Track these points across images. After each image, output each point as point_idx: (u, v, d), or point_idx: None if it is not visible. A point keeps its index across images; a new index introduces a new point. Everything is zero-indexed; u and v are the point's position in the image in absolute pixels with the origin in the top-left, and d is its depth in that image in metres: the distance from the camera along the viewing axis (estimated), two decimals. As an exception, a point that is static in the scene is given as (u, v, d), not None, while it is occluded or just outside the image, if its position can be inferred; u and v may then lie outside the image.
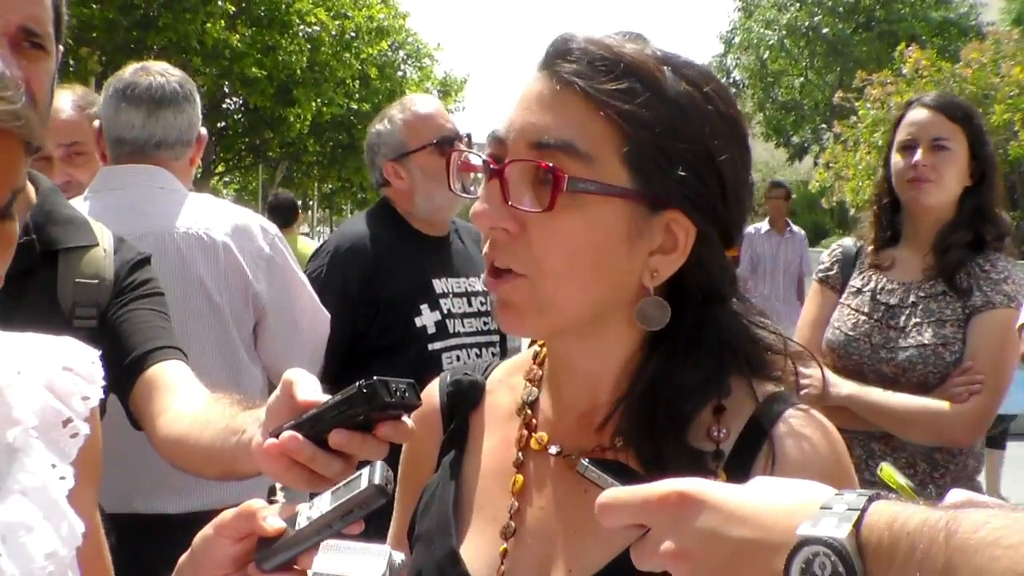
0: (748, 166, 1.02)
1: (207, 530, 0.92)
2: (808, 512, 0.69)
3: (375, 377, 0.98)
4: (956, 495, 0.95)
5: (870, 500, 0.68)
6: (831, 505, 0.69)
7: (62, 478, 0.98)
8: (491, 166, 0.97)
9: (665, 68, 0.95)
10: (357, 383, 0.99)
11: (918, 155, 2.41)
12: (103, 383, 1.07)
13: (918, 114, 2.47)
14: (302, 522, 0.87)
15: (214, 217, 2.33)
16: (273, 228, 2.45)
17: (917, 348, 2.37)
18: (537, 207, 0.93)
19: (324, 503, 0.87)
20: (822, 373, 2.36)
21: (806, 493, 0.72)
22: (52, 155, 2.59)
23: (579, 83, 0.93)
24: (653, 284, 0.97)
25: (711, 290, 1.00)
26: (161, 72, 2.38)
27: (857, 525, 0.66)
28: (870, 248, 2.55)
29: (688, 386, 0.98)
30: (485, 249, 0.99)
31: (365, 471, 0.87)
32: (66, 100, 2.69)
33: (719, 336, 0.99)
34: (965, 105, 2.56)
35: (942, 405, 2.30)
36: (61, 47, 1.62)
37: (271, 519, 0.88)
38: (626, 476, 0.82)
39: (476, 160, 1.02)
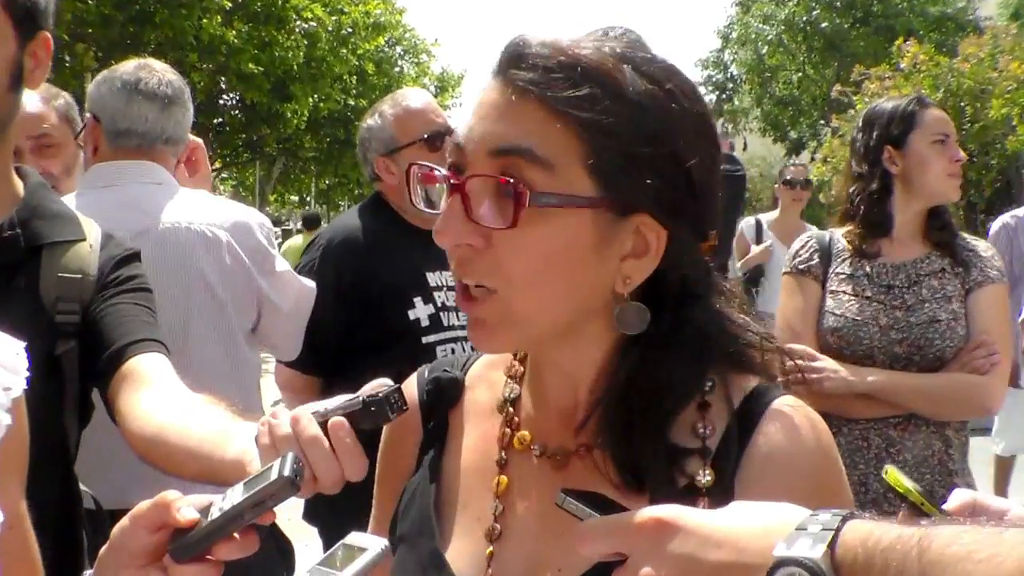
0: (717, 161, 1.00)
1: (124, 521, 0.92)
2: (783, 533, 0.70)
3: (379, 394, 1.00)
4: (960, 495, 0.95)
5: (844, 519, 0.68)
6: (806, 526, 0.69)
7: None
8: (451, 180, 0.94)
9: (625, 67, 0.92)
10: (361, 400, 1.01)
11: (960, 153, 2.59)
12: (27, 374, 1.08)
13: (940, 114, 2.65)
14: (215, 513, 0.88)
15: (214, 213, 2.33)
16: (267, 222, 2.46)
17: (932, 324, 2.46)
18: (500, 223, 0.90)
19: (236, 494, 0.88)
20: (830, 364, 2.48)
21: (781, 514, 0.73)
22: (22, 148, 2.60)
23: (535, 91, 0.90)
24: (626, 290, 0.95)
25: (686, 289, 0.98)
26: (164, 70, 2.42)
27: (832, 544, 0.67)
28: (855, 240, 2.59)
29: (665, 384, 0.97)
30: (452, 267, 0.97)
31: (276, 463, 0.88)
32: (31, 94, 2.69)
33: (696, 335, 0.98)
34: None
35: (970, 378, 2.43)
36: (48, 34, 1.58)
37: (185, 510, 0.89)
38: (606, 507, 0.82)
39: (439, 172, 0.99)
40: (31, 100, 2.66)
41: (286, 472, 0.86)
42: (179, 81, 2.41)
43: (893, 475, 0.95)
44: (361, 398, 1.00)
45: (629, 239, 0.94)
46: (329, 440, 0.99)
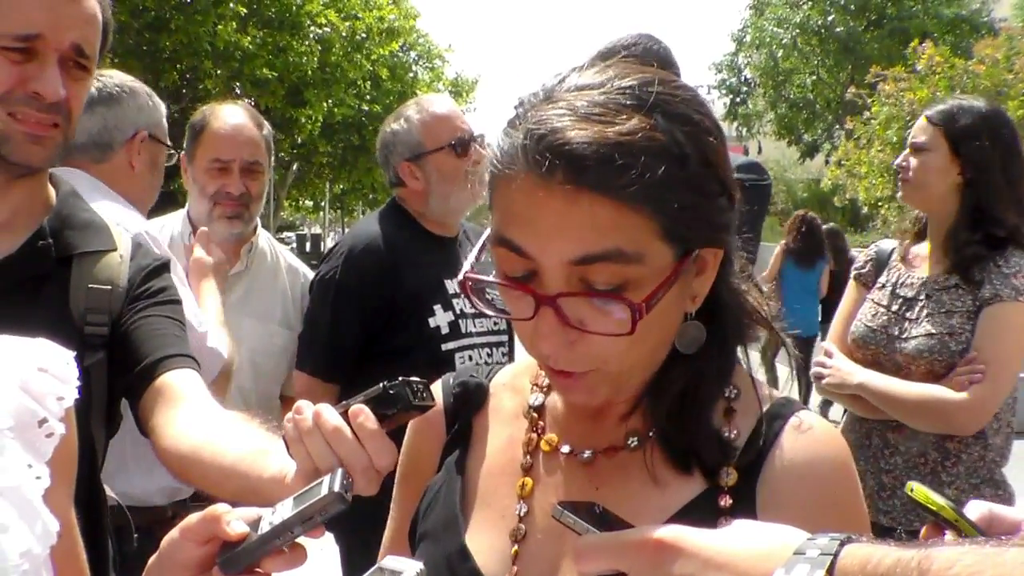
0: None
1: (173, 533, 0.92)
2: (782, 557, 0.70)
3: (399, 378, 1.00)
4: (976, 507, 0.95)
5: (842, 544, 0.68)
6: (804, 550, 0.69)
7: (38, 478, 0.98)
8: (536, 294, 0.89)
9: (657, 118, 0.88)
10: (382, 384, 1.01)
11: (899, 157, 2.62)
12: (78, 383, 1.08)
13: (921, 120, 2.64)
14: (264, 527, 0.88)
15: None
16: (147, 231, 2.20)
17: (924, 337, 2.48)
18: (613, 329, 0.88)
19: (286, 508, 0.88)
20: (837, 362, 2.62)
21: (780, 537, 0.73)
22: (232, 167, 2.65)
23: (599, 190, 0.85)
24: (694, 308, 0.98)
25: (726, 298, 1.01)
26: (106, 76, 2.34)
27: (831, 570, 0.67)
28: (905, 244, 2.70)
29: (707, 371, 1.00)
30: (541, 355, 0.95)
31: (326, 478, 0.88)
32: (243, 116, 2.74)
33: (724, 315, 1.01)
34: (953, 107, 2.56)
35: (944, 393, 2.40)
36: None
37: (235, 523, 0.89)
38: (604, 520, 0.82)
39: (512, 270, 0.92)
40: (247, 123, 2.71)
41: (336, 487, 0.86)
42: (96, 87, 2.27)
43: (922, 492, 0.94)
44: (382, 384, 1.01)
45: (694, 266, 0.95)
46: (353, 429, 1.00)
